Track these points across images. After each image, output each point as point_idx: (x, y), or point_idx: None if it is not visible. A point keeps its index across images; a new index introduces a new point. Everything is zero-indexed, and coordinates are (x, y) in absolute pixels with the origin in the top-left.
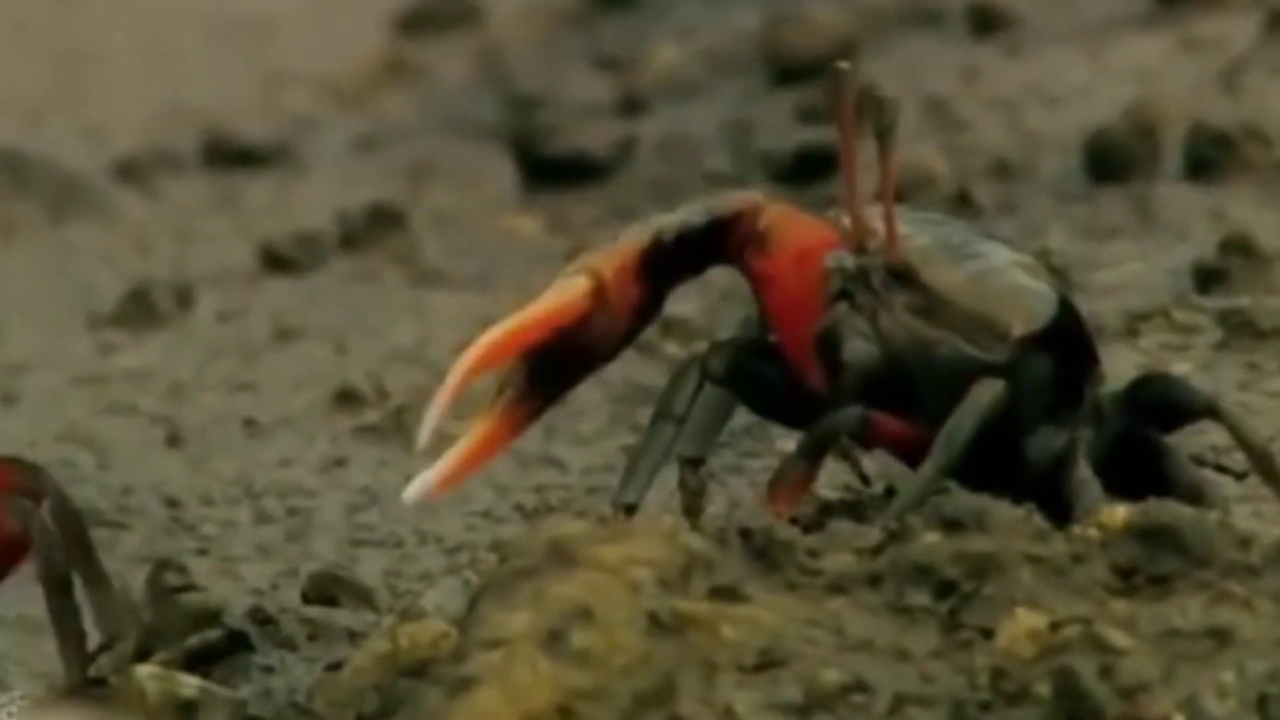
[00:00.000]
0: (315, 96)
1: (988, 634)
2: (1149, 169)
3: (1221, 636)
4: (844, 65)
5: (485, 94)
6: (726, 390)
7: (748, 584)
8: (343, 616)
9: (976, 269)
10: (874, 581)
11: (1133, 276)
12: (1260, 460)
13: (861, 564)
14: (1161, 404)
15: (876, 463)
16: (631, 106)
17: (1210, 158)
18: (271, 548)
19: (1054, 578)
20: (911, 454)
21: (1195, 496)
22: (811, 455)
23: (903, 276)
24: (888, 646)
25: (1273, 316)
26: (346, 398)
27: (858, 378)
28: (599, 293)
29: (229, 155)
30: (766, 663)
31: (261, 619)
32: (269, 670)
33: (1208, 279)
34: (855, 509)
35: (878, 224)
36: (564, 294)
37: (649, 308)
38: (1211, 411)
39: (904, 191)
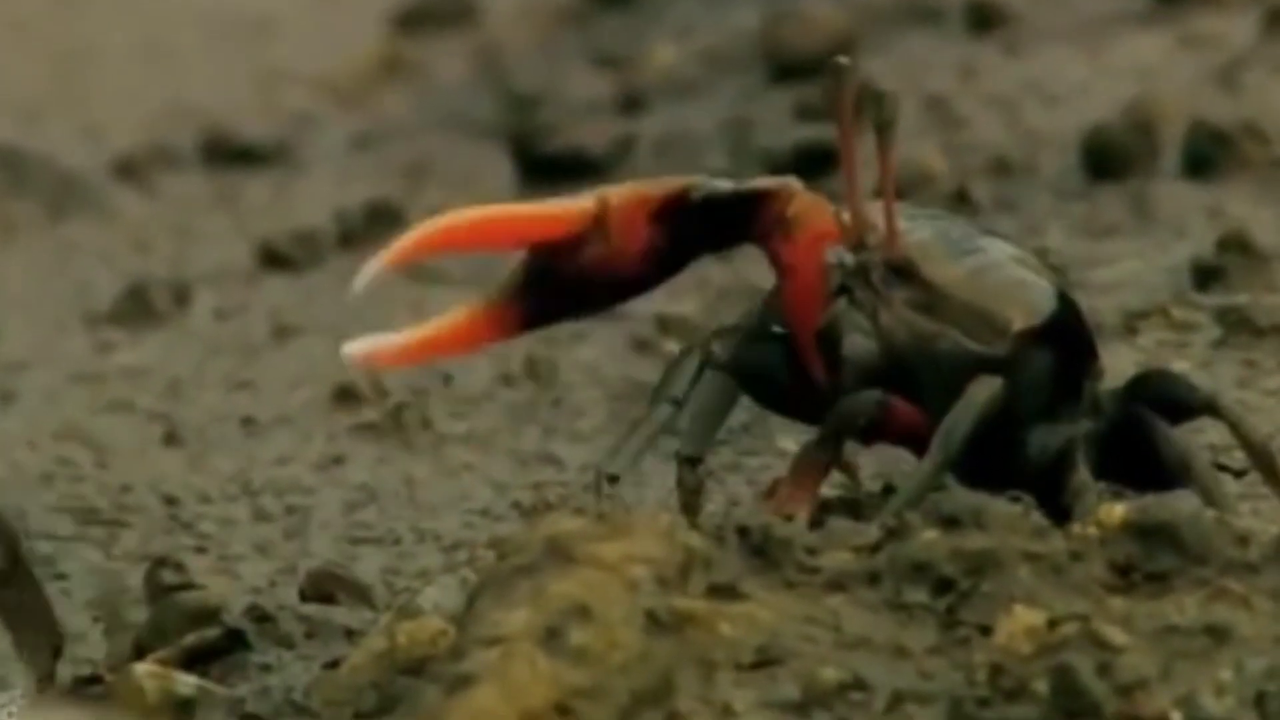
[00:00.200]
0: (313, 95)
1: (986, 631)
2: (1147, 167)
3: (1219, 634)
4: (843, 60)
5: (484, 92)
6: (728, 376)
7: (746, 582)
8: (341, 614)
9: (976, 264)
10: (872, 579)
11: (1131, 274)
12: (1259, 457)
13: (860, 561)
14: (1161, 400)
15: (874, 460)
16: (630, 104)
17: (1209, 156)
18: (269, 546)
19: (1052, 575)
20: (921, 444)
21: (1202, 490)
22: (831, 442)
23: (902, 272)
24: (886, 644)
25: (1271, 314)
26: (345, 396)
27: (857, 374)
28: (600, 219)
29: (227, 154)
30: (764, 660)
31: (259, 617)
32: (267, 668)
33: (1206, 277)
34: (853, 506)
35: (877, 220)
36: (565, 205)
37: (659, 259)
38: (1211, 408)
39: (903, 189)
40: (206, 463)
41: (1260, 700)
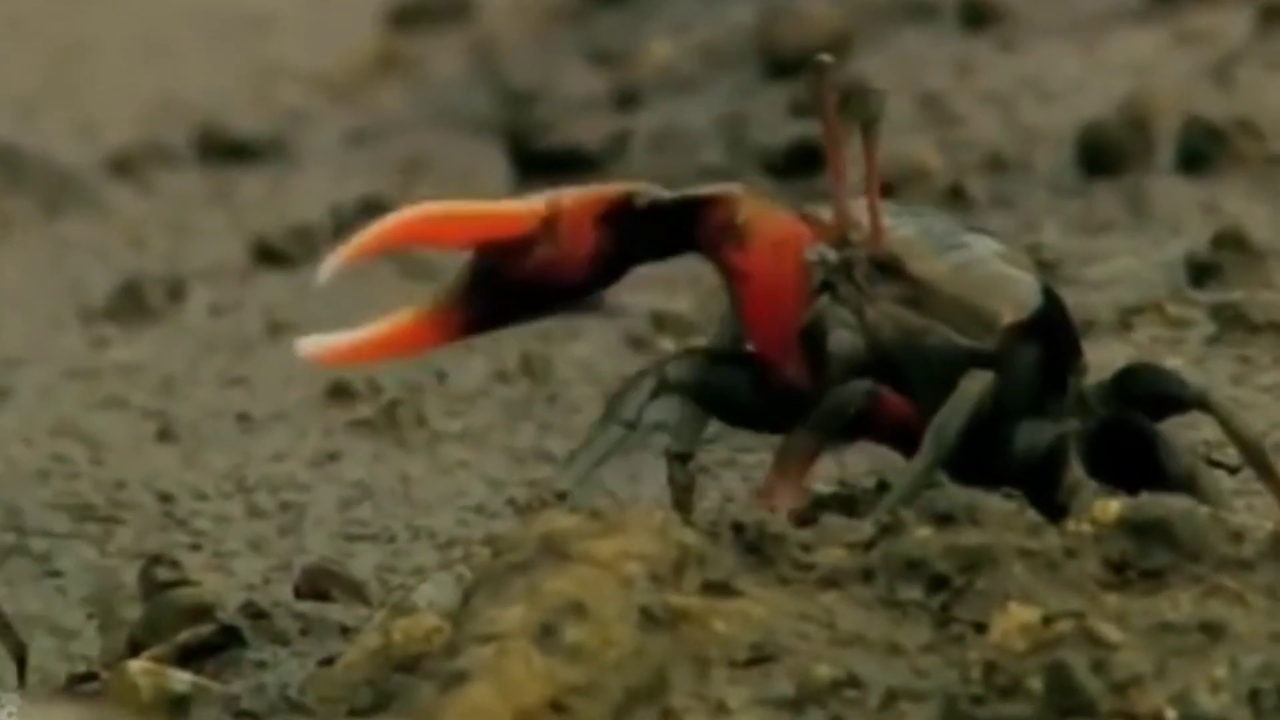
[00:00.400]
0: (308, 91)
1: (980, 628)
2: (1142, 163)
3: (1214, 631)
4: (826, 58)
5: (479, 88)
6: (687, 400)
7: (740, 578)
8: (335, 611)
9: (961, 259)
10: (866, 576)
11: (1126, 270)
12: (1251, 453)
13: (854, 558)
14: (1150, 395)
15: (868, 457)
16: (625, 100)
17: (1203, 151)
18: (264, 542)
19: (1046, 572)
20: (908, 437)
21: (1190, 486)
22: (820, 431)
23: (888, 268)
24: (880, 641)
25: (1265, 310)
26: (339, 392)
27: (844, 370)
28: (550, 219)
29: (222, 149)
30: (758, 657)
31: (254, 614)
32: (262, 665)
33: (1201, 273)
34: (848, 503)
35: (861, 217)
36: (516, 206)
37: (607, 265)
38: (1202, 404)
39: (898, 186)
40: (201, 459)
41: (1255, 697)
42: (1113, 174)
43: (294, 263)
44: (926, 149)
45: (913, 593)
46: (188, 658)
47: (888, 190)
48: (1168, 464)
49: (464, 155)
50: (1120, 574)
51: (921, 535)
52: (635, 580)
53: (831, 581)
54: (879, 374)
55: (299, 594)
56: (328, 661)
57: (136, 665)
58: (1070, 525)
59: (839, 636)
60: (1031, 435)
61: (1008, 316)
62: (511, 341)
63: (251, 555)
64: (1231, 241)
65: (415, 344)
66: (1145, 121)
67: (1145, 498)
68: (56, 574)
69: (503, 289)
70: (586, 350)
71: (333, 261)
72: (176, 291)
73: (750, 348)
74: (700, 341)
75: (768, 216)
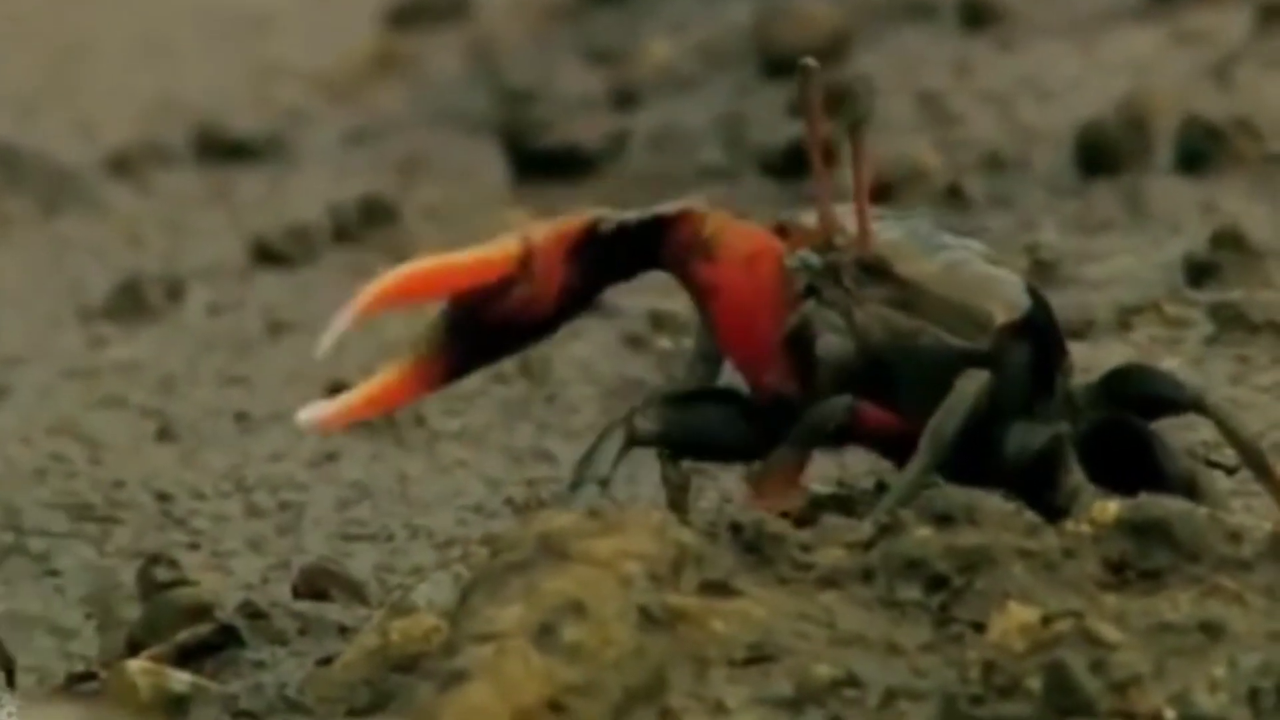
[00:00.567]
0: (307, 90)
1: (979, 628)
2: (1141, 162)
3: (1213, 631)
4: (812, 62)
5: (477, 87)
6: (657, 449)
7: (739, 578)
8: (334, 611)
9: (949, 260)
10: (865, 576)
11: (1124, 270)
12: (1249, 454)
13: (853, 558)
14: (1143, 396)
15: (867, 457)
16: (623, 100)
17: (1202, 151)
18: (263, 542)
19: (1045, 572)
20: (893, 446)
21: (1187, 487)
22: (800, 447)
23: (875, 270)
24: (879, 641)
25: (1264, 310)
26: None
27: (833, 373)
28: (526, 259)
29: (220, 149)
30: (757, 657)
31: (253, 613)
32: (260, 665)
33: (1199, 272)
34: (846, 503)
35: (845, 221)
36: (491, 250)
37: (576, 296)
38: (1198, 405)
39: (896, 185)
40: (200, 459)
41: (1254, 697)
42: (1111, 173)
43: (293, 262)
44: (925, 148)
45: (912, 593)
46: (186, 657)
47: (885, 190)
48: (1165, 465)
49: (462, 154)
50: (1119, 574)
51: (921, 535)
52: (634, 580)
53: (830, 581)
54: (868, 377)
55: (297, 593)
56: (326, 661)
57: (135, 665)
58: (1069, 526)
59: (838, 636)
60: (1023, 436)
61: (1001, 317)
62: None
63: (250, 555)
64: (1230, 241)
65: (401, 398)
66: (1144, 121)
67: (1144, 498)
68: (55, 573)
69: (482, 332)
70: (585, 350)
71: (330, 335)
72: (175, 291)
73: (719, 373)
74: (666, 384)
75: (735, 229)
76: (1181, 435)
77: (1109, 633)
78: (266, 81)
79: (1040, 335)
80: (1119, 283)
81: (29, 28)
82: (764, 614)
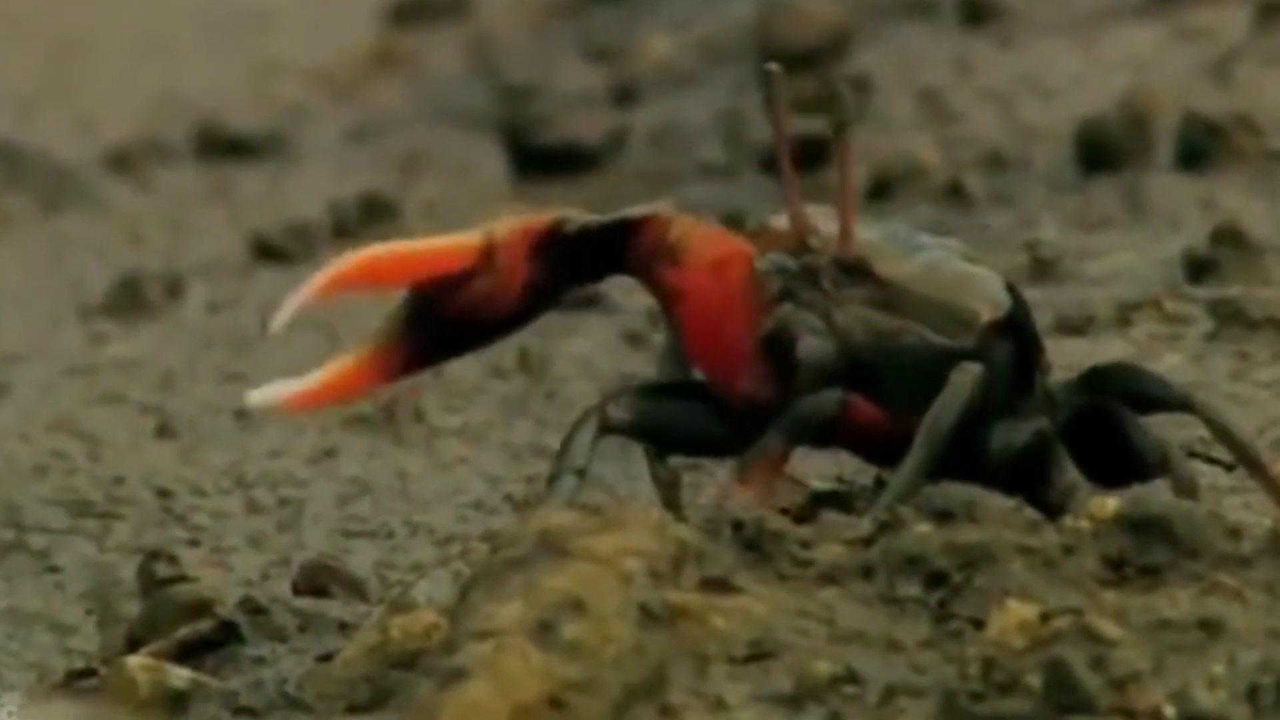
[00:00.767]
0: (307, 87)
1: (979, 625)
2: (1141, 159)
3: (1212, 628)
4: (775, 67)
5: (477, 84)
6: (629, 439)
7: (739, 575)
8: (334, 607)
9: (929, 259)
10: (865, 572)
11: (1124, 266)
12: (1240, 451)
13: (853, 555)
14: (1131, 395)
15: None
16: (623, 96)
17: (1202, 148)
18: (263, 538)
19: (1045, 569)
20: (875, 448)
21: (1160, 467)
22: (787, 438)
23: (855, 271)
24: (879, 637)
25: (1264, 306)
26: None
27: (815, 375)
28: (488, 253)
29: (220, 146)
30: (757, 654)
31: (253, 610)
32: (260, 661)
33: (1199, 269)
34: (846, 500)
35: (817, 224)
36: (454, 242)
37: (539, 294)
38: (1185, 404)
39: (896, 183)
40: (199, 455)
41: (1253, 693)
42: (1111, 170)
43: (292, 259)
44: (925, 146)
45: (911, 589)
46: (186, 654)
47: (885, 188)
48: (1142, 450)
49: (462, 151)
50: (1118, 571)
51: (920, 532)
52: (634, 577)
53: (830, 578)
54: (851, 378)
55: (297, 590)
56: (326, 658)
57: (135, 661)
58: (1068, 522)
59: (838, 633)
60: (1007, 434)
61: (987, 314)
62: (509, 338)
63: (250, 551)
64: (1230, 238)
65: (357, 387)
66: (1144, 118)
67: (1143, 494)
68: (55, 570)
69: (441, 324)
70: (584, 346)
71: (284, 313)
72: (175, 288)
73: (691, 370)
74: (638, 377)
75: (701, 234)
76: (1177, 433)
77: (1108, 629)
78: (267, 78)
79: (1021, 333)
80: (1119, 279)
81: (29, 25)
82: (764, 611)
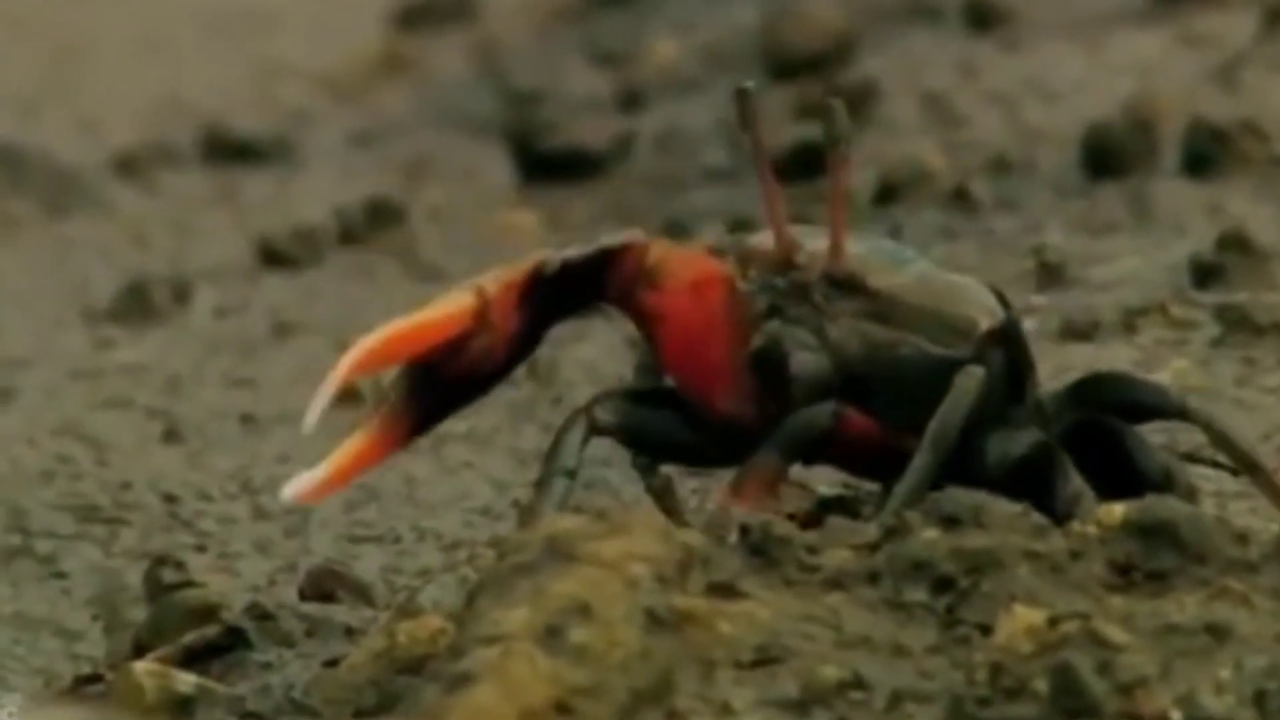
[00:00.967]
0: (312, 91)
1: (986, 630)
2: (1147, 164)
3: (1219, 633)
4: (749, 85)
5: (483, 89)
6: (616, 441)
7: (745, 580)
8: (341, 613)
9: (920, 271)
10: (872, 578)
11: (1130, 272)
12: (1240, 457)
13: (859, 560)
14: (1127, 404)
15: None
16: (629, 101)
17: (1208, 153)
18: (270, 544)
19: (1052, 574)
20: (869, 463)
21: (1165, 483)
22: (782, 453)
23: (846, 285)
24: (886, 643)
25: (1270, 312)
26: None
27: (809, 391)
28: (482, 312)
29: (226, 150)
30: (764, 659)
31: (259, 615)
32: (267, 666)
33: (1205, 274)
34: (852, 505)
35: (800, 240)
36: (449, 306)
37: (528, 340)
38: (1182, 413)
39: (902, 188)
40: (206, 460)
41: (1260, 699)
42: (1117, 175)
43: (299, 263)
44: (930, 150)
45: (918, 594)
46: (193, 659)
47: (891, 192)
48: (1142, 462)
49: (468, 156)
50: (1125, 576)
51: (927, 537)
52: (640, 582)
53: (837, 583)
54: (847, 391)
55: (304, 595)
56: (333, 663)
57: (141, 666)
58: (1076, 527)
59: (844, 638)
60: (1004, 444)
61: (985, 322)
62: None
63: (257, 556)
64: (1236, 243)
65: (370, 461)
66: (1149, 123)
67: (1151, 500)
68: (61, 575)
69: (443, 386)
70: (591, 352)
71: (315, 413)
72: (181, 292)
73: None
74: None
75: (678, 258)
76: (1180, 437)
77: (1116, 635)
78: (272, 82)
79: (1013, 343)
80: (1125, 284)
81: (33, 27)
82: (770, 616)
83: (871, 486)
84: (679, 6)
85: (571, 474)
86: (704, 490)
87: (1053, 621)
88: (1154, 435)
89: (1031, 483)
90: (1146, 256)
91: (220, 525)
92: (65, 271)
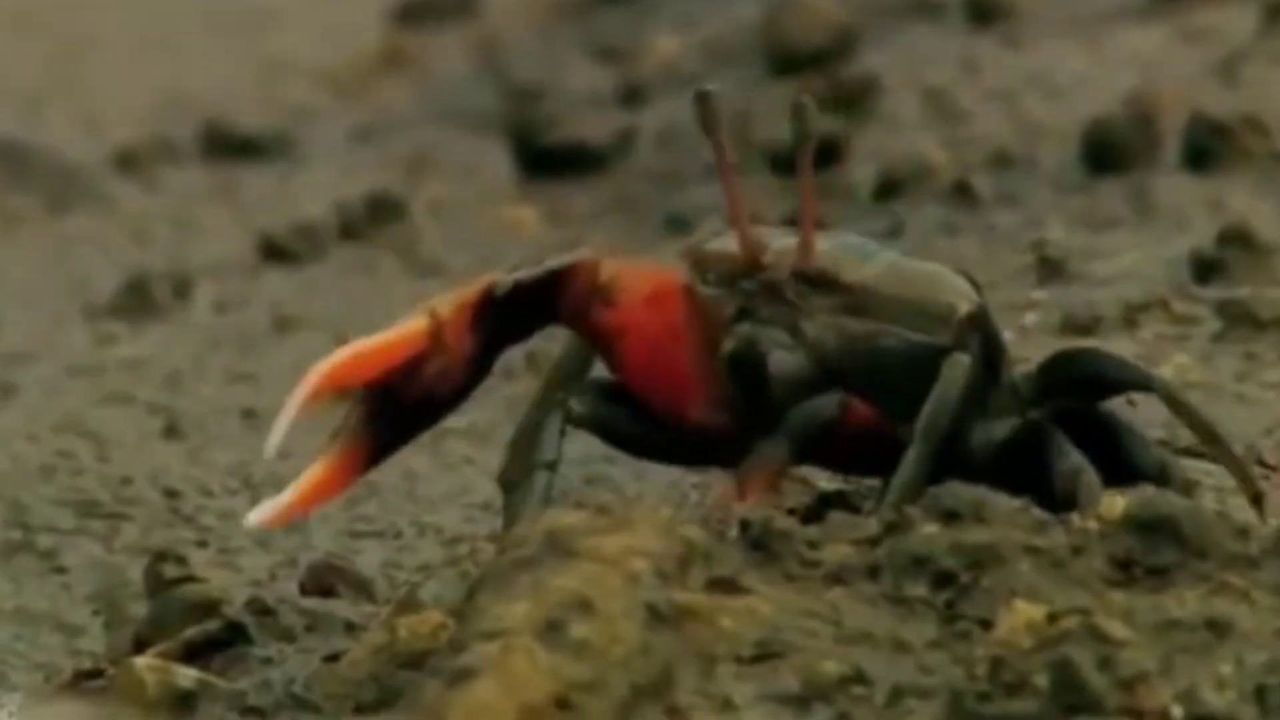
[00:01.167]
0: (314, 87)
1: (986, 625)
2: (1148, 159)
3: (1220, 628)
4: (711, 88)
5: (484, 84)
6: (591, 433)
7: (746, 575)
8: (341, 608)
9: (890, 261)
10: (872, 572)
11: (1131, 267)
12: (1203, 432)
13: (860, 555)
14: (1092, 379)
15: None
16: (630, 97)
17: (1209, 148)
18: (270, 539)
19: (1052, 569)
20: (874, 450)
21: (1159, 477)
22: (789, 447)
23: (818, 281)
24: (886, 637)
25: (1271, 307)
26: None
27: (790, 389)
28: (436, 334)
29: (227, 146)
30: (764, 654)
31: (260, 610)
32: (267, 661)
33: (1206, 269)
34: (852, 500)
35: (766, 240)
36: (403, 330)
37: (481, 363)
38: (1146, 385)
39: (903, 183)
40: (207, 455)
41: (1261, 694)
42: (1118, 171)
43: (300, 259)
44: (932, 146)
45: (919, 589)
46: (193, 654)
47: (892, 188)
48: (1139, 459)
49: (469, 152)
50: (1126, 571)
51: (928, 532)
52: (641, 577)
53: (837, 578)
54: (829, 387)
55: (304, 590)
56: (333, 658)
57: (142, 661)
58: (1076, 522)
59: (845, 633)
60: (987, 428)
61: (964, 307)
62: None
63: (257, 551)
64: (1237, 238)
65: (333, 488)
66: (1151, 118)
67: (1151, 494)
68: (62, 570)
69: (400, 411)
70: None
71: (275, 439)
72: (182, 288)
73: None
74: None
75: (631, 272)
76: (1180, 433)
77: (1116, 630)
78: (273, 78)
79: (987, 326)
80: (1126, 280)
81: (35, 24)
82: (771, 611)
83: (872, 481)
84: (680, 2)
85: (552, 466)
86: (706, 485)
87: (1053, 617)
88: (1152, 432)
89: (1026, 464)
90: (1147, 252)
91: (221, 520)
92: (66, 267)
